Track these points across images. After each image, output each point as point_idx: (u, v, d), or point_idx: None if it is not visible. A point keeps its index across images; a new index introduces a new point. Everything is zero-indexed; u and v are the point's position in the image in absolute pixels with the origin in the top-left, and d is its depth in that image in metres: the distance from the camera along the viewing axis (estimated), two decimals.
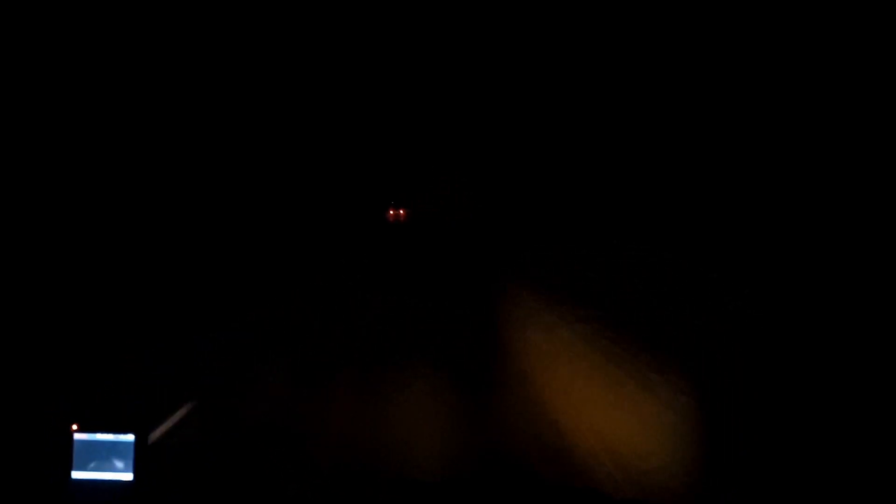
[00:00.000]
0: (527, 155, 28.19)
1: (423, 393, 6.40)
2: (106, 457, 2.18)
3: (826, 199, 10.50)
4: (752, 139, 12.99)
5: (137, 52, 15.42)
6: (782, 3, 12.19)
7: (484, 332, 9.83)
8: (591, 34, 18.69)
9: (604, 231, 19.34)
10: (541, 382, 6.94)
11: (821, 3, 11.10)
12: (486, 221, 31.91)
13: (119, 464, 2.17)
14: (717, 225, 13.49)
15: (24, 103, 11.41)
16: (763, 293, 10.20)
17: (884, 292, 7.97)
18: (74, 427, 2.20)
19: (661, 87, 16.21)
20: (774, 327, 8.73)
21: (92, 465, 2.18)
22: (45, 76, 11.87)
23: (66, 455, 2.18)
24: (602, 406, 6.14)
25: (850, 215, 9.95)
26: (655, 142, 16.76)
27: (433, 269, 18.17)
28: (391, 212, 36.57)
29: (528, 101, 27.17)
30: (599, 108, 20.07)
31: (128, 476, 2.17)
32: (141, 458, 2.18)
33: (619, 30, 17.66)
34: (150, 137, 16.15)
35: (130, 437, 2.19)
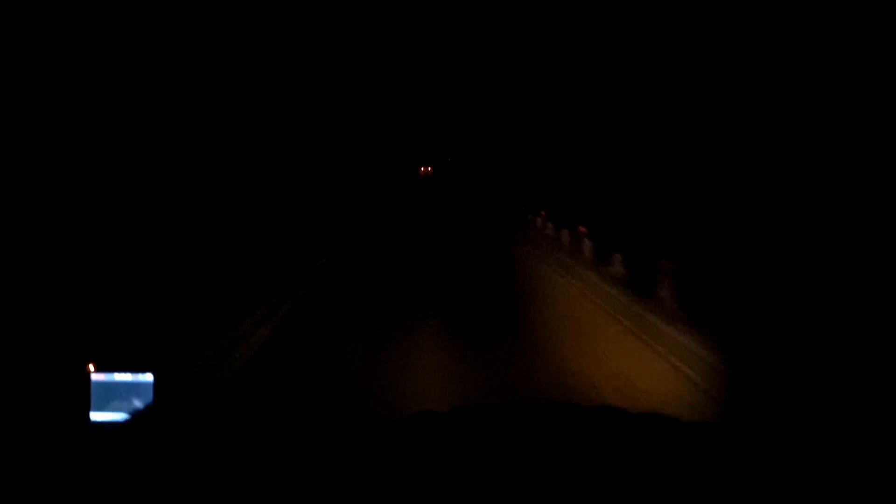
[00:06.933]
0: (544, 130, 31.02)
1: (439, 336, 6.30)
2: (125, 397, 2.08)
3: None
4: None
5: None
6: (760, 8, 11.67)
7: (500, 273, 9.79)
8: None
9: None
10: (561, 329, 6.82)
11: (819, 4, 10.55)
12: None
13: (138, 404, 2.08)
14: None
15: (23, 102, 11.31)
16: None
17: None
18: (91, 367, 2.10)
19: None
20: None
21: (111, 406, 2.09)
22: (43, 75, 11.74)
23: (84, 397, 2.09)
24: (620, 355, 6.00)
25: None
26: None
27: (454, 209, 23.87)
28: (422, 169, 55.40)
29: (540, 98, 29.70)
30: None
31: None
32: (160, 398, 2.08)
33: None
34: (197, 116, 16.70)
35: (149, 377, 2.09)
